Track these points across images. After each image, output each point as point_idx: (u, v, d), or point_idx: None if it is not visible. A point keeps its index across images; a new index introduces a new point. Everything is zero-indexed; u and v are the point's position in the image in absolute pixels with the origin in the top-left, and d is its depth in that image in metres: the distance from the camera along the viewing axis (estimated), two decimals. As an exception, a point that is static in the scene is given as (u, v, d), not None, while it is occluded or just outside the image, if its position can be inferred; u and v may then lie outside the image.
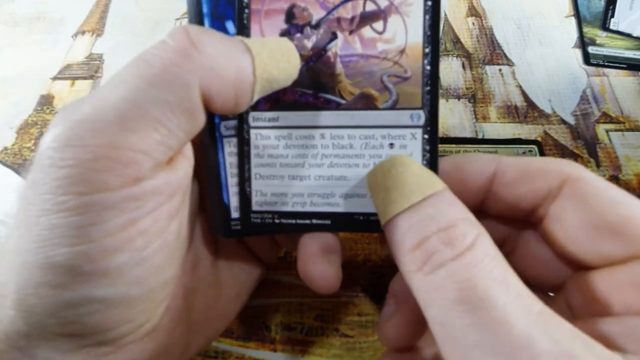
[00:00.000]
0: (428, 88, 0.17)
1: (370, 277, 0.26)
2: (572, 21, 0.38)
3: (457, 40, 0.37)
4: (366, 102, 0.18)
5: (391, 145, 0.18)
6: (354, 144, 0.18)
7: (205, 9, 0.17)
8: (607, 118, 0.32)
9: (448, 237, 0.13)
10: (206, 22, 0.17)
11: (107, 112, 0.13)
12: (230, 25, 0.17)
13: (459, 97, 0.34)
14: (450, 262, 0.13)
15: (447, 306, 0.12)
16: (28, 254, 0.13)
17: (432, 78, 0.17)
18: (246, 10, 0.17)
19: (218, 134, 0.18)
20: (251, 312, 0.25)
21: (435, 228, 0.13)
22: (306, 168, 0.18)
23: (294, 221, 0.18)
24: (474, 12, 0.39)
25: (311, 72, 0.18)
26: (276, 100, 0.18)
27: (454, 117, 0.33)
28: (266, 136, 0.18)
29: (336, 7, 0.18)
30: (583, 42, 0.36)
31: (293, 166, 0.18)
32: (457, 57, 0.36)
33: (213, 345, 0.25)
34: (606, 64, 0.35)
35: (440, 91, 0.34)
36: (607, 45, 0.36)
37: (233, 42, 0.15)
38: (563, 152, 0.31)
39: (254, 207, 0.18)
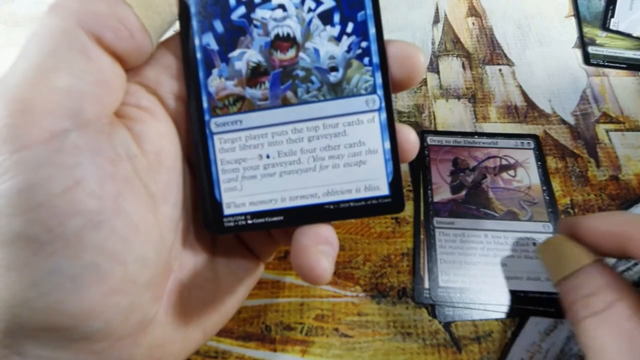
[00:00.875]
0: (550, 209, 0.28)
1: (370, 277, 0.26)
2: (572, 21, 0.38)
3: (457, 40, 0.37)
4: (512, 216, 0.28)
5: (534, 243, 0.27)
6: (507, 241, 0.27)
7: (193, 9, 0.17)
8: (607, 118, 0.32)
9: (587, 303, 0.18)
10: (194, 21, 0.17)
11: (8, 78, 0.14)
12: (217, 24, 0.18)
13: (459, 97, 0.34)
14: (585, 319, 0.18)
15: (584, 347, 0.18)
16: None
17: (552, 204, 0.28)
18: (427, 158, 0.30)
19: (208, 131, 0.18)
20: (251, 312, 0.25)
21: (579, 295, 0.19)
22: (476, 257, 0.27)
23: (478, 306, 0.25)
24: (474, 12, 0.39)
25: (474, 196, 0.29)
26: (454, 212, 0.28)
27: (454, 117, 0.33)
28: (447, 234, 0.27)
29: (483, 161, 0.30)
30: (583, 42, 0.36)
31: (467, 255, 0.27)
32: (457, 57, 0.36)
33: (213, 345, 0.25)
34: (606, 64, 0.35)
35: (440, 91, 0.34)
36: (607, 45, 0.36)
37: None
38: (563, 152, 0.31)
39: (440, 284, 0.26)
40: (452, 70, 0.36)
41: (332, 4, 0.18)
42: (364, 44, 0.18)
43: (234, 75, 0.18)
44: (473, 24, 0.38)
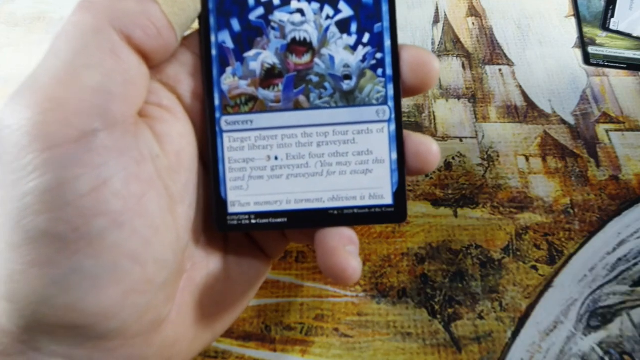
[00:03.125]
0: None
1: (370, 277, 0.27)
2: (572, 21, 0.38)
3: (457, 40, 0.37)
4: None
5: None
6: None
7: (211, 5, 0.18)
8: (607, 118, 0.32)
9: None
10: (211, 18, 0.18)
11: (39, 75, 0.14)
12: (235, 22, 0.18)
13: (459, 97, 0.34)
14: None
15: None
16: (9, 235, 0.14)
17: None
18: None
19: (218, 129, 0.18)
20: (251, 312, 0.25)
21: None
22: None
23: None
24: (474, 12, 0.39)
25: None
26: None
27: (454, 117, 0.33)
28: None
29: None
30: (583, 42, 0.36)
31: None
32: (457, 57, 0.36)
33: (213, 345, 0.25)
34: (606, 64, 0.35)
35: (440, 91, 0.34)
36: (607, 45, 0.36)
37: None
38: (563, 152, 0.31)
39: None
40: (452, 70, 0.36)
41: (351, 13, 0.18)
42: (378, 55, 0.18)
43: (247, 75, 0.18)
44: (473, 24, 0.38)
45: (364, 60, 0.18)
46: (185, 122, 0.18)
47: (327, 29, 0.18)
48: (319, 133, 0.18)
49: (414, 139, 0.18)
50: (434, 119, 0.33)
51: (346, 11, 0.18)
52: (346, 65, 0.18)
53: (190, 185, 0.18)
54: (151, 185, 0.16)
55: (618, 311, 0.25)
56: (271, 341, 0.25)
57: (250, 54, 0.18)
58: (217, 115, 0.18)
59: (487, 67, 0.36)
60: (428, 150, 0.18)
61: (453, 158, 0.31)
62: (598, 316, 0.25)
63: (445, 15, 0.39)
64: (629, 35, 0.36)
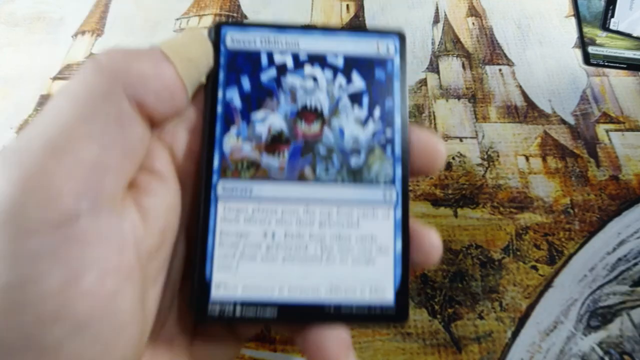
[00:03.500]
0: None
1: (370, 277, 0.27)
2: (572, 21, 0.38)
3: (457, 40, 0.37)
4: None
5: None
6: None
7: (222, 61, 0.17)
8: (607, 118, 0.32)
9: None
10: (221, 73, 0.17)
11: (32, 139, 0.13)
12: (245, 81, 0.17)
13: (459, 97, 0.34)
14: None
15: None
16: None
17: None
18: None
19: (213, 194, 0.16)
20: (251, 312, 0.25)
21: None
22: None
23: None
24: (474, 12, 0.39)
25: None
26: None
27: (454, 117, 0.33)
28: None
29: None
30: (583, 42, 0.36)
31: None
32: (457, 57, 0.36)
33: (213, 345, 0.25)
34: (606, 64, 0.35)
35: (440, 91, 0.34)
36: (607, 45, 0.36)
37: (141, 48, 0.15)
38: (563, 152, 0.31)
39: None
40: (452, 70, 0.36)
41: (363, 86, 0.17)
42: (388, 133, 0.17)
43: (253, 137, 0.17)
44: (473, 24, 0.38)
45: (374, 136, 0.17)
46: (174, 191, 0.16)
47: (339, 99, 0.17)
48: (322, 212, 0.17)
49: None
50: (434, 118, 0.33)
51: (359, 83, 0.17)
52: (356, 140, 0.17)
53: (167, 263, 0.16)
54: (128, 278, 0.14)
55: (618, 311, 0.25)
56: (271, 341, 0.25)
57: (258, 115, 0.17)
58: (215, 178, 0.16)
59: (487, 67, 0.36)
60: (429, 243, 0.17)
61: (453, 158, 0.31)
62: (598, 316, 0.25)
63: (445, 15, 0.39)
64: (629, 35, 0.36)
